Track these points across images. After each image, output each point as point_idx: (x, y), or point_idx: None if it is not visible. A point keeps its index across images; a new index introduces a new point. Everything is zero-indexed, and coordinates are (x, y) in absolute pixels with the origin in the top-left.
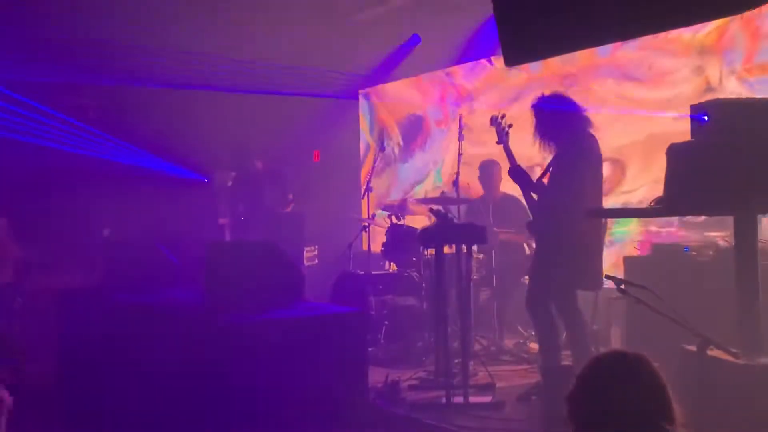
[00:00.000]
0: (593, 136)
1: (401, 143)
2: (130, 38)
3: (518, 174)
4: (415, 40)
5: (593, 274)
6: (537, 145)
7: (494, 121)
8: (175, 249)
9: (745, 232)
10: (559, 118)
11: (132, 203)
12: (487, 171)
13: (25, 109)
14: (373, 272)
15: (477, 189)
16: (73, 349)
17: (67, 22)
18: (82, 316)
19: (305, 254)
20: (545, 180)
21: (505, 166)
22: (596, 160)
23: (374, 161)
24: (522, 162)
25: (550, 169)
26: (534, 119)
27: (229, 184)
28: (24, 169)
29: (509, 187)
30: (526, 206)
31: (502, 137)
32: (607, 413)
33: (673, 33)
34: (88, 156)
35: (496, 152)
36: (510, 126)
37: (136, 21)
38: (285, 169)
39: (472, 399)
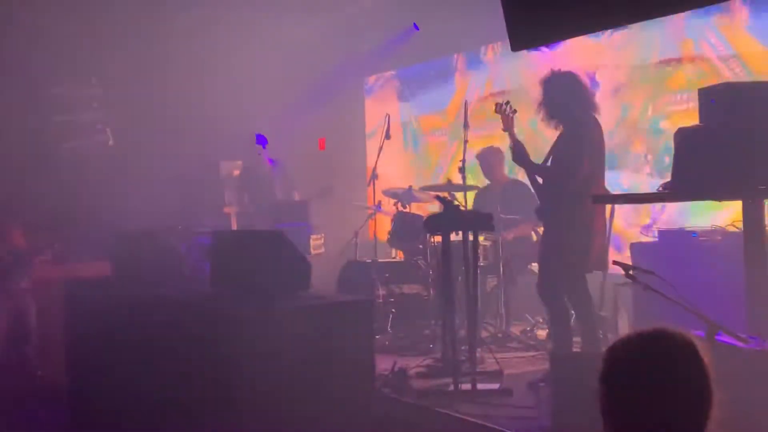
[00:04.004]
0: (595, 119)
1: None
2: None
3: (519, 156)
4: (413, 29)
5: (598, 255)
6: (540, 117)
7: (499, 108)
8: (182, 239)
9: (754, 217)
10: (565, 98)
11: (139, 193)
12: (486, 160)
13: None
14: (380, 260)
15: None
16: (81, 339)
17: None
18: (91, 307)
19: (311, 242)
20: (548, 163)
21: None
22: (597, 145)
23: (380, 149)
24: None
25: (552, 153)
26: (541, 94)
27: (236, 173)
28: (34, 159)
29: (516, 172)
30: (533, 191)
31: (508, 124)
32: (642, 404)
33: None
34: (98, 146)
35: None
36: (514, 112)
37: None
38: (289, 163)
39: (480, 386)
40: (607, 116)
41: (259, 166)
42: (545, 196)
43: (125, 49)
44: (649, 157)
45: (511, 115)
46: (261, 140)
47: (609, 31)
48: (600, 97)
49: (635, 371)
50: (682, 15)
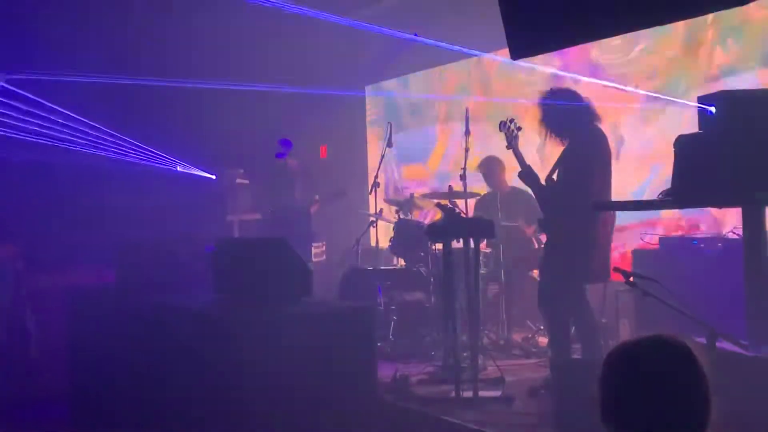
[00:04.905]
0: (600, 130)
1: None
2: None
3: (528, 177)
4: (414, 38)
5: (600, 268)
6: (544, 136)
7: (503, 126)
8: (184, 247)
9: (753, 224)
10: (564, 114)
11: (141, 201)
12: (488, 169)
13: (34, 108)
14: (381, 267)
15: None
16: (83, 348)
17: (78, 19)
18: (93, 316)
19: (313, 250)
20: (554, 177)
21: (509, 164)
22: (604, 153)
23: (381, 157)
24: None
25: (559, 166)
26: (540, 114)
27: (238, 181)
28: (34, 167)
29: (517, 180)
30: (537, 203)
31: (512, 141)
32: (639, 409)
33: None
34: (98, 154)
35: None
36: (519, 129)
37: (144, 18)
38: (313, 168)
39: (482, 393)
40: (634, 177)
41: (283, 171)
42: (552, 210)
43: (129, 53)
44: (683, 222)
45: (515, 132)
46: (286, 144)
47: (633, 82)
48: (624, 157)
49: (632, 377)
50: (718, 65)
